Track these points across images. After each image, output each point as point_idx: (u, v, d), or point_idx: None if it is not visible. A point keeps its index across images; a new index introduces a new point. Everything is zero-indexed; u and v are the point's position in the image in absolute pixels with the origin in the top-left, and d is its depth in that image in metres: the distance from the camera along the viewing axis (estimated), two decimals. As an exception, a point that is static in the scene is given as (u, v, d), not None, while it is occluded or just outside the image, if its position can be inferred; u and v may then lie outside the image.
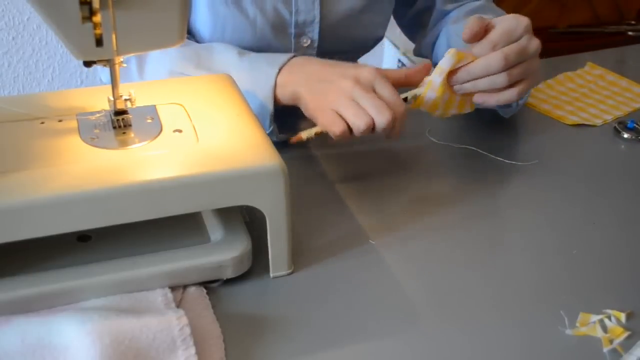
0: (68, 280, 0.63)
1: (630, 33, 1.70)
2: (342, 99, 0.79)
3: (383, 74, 0.81)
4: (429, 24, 1.09)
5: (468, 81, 0.82)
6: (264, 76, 0.86)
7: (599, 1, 1.69)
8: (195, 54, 0.92)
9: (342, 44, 1.03)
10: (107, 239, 0.68)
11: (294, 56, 0.87)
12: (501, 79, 0.80)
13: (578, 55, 1.23)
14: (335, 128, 0.79)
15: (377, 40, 1.09)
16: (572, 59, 1.21)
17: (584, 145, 0.95)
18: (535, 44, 0.82)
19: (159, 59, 0.92)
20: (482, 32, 0.81)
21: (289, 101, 0.86)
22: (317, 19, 0.97)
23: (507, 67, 0.80)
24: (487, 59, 0.80)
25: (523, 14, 0.86)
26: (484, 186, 0.86)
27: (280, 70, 0.85)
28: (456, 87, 0.83)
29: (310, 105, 0.83)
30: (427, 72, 0.84)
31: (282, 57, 0.87)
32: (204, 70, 0.89)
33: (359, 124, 0.78)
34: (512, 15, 0.83)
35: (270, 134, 0.88)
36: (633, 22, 1.74)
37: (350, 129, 0.80)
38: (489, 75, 0.81)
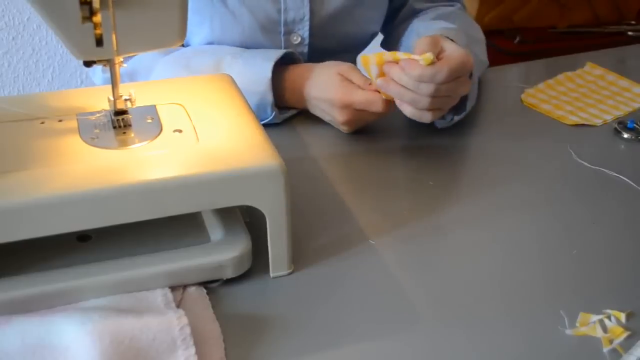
0: (68, 280, 0.63)
1: (630, 33, 1.70)
2: (349, 128, 0.93)
3: (349, 99, 0.88)
4: (399, 19, 1.10)
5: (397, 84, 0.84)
6: (261, 69, 0.90)
7: (598, 1, 1.68)
8: (184, 58, 0.93)
9: (335, 41, 1.03)
10: (107, 239, 0.68)
11: (287, 52, 0.93)
12: (424, 101, 0.83)
13: (578, 55, 1.23)
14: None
15: (372, 36, 1.09)
16: (572, 59, 1.21)
17: (584, 145, 0.95)
18: (465, 88, 0.86)
19: (148, 71, 0.94)
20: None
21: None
22: (307, 17, 0.97)
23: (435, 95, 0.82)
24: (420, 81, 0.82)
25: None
26: (483, 187, 0.86)
27: (281, 76, 0.91)
28: (380, 84, 0.85)
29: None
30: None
31: (276, 52, 0.93)
32: (196, 73, 0.90)
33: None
34: (463, 55, 0.83)
35: (272, 119, 0.92)
36: (633, 22, 1.74)
37: None
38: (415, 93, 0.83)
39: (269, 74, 0.89)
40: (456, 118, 0.94)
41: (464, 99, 0.92)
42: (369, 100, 0.87)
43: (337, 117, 0.90)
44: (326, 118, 0.94)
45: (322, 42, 1.01)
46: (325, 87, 0.90)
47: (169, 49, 0.94)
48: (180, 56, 0.94)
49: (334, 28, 1.01)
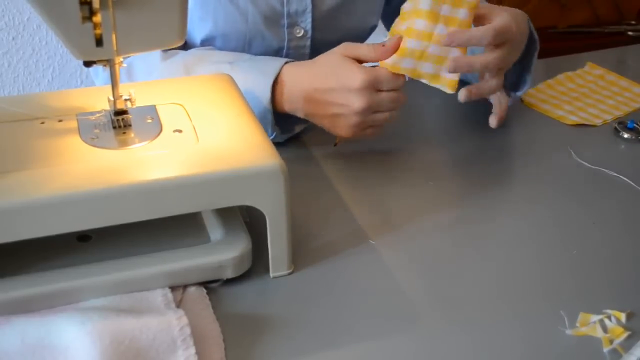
0: (68, 280, 0.63)
1: (630, 33, 1.70)
2: (361, 122, 0.83)
3: (373, 76, 0.81)
4: None
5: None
6: (259, 88, 0.85)
7: (599, 1, 1.69)
8: (183, 67, 0.91)
9: (336, 34, 1.03)
10: (107, 239, 0.68)
11: (286, 62, 0.87)
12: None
13: (578, 55, 1.23)
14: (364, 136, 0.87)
15: (372, 28, 1.09)
16: (572, 59, 1.21)
17: (584, 145, 0.95)
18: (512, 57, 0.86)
19: (147, 76, 0.93)
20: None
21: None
22: (309, 8, 0.98)
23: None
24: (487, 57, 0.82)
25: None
26: (483, 186, 0.86)
27: (276, 80, 0.85)
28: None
29: (329, 128, 0.87)
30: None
31: (275, 65, 0.86)
32: None
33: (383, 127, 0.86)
34: (511, 15, 0.83)
35: (274, 138, 0.89)
36: (633, 22, 1.74)
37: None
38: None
39: (268, 94, 0.84)
40: (519, 94, 0.95)
41: (519, 77, 0.93)
42: (381, 50, 0.81)
43: (354, 103, 0.81)
44: (333, 111, 0.83)
45: (324, 35, 1.01)
46: (338, 72, 0.82)
47: (169, 50, 0.94)
48: (179, 64, 0.92)
49: (336, 20, 1.02)
